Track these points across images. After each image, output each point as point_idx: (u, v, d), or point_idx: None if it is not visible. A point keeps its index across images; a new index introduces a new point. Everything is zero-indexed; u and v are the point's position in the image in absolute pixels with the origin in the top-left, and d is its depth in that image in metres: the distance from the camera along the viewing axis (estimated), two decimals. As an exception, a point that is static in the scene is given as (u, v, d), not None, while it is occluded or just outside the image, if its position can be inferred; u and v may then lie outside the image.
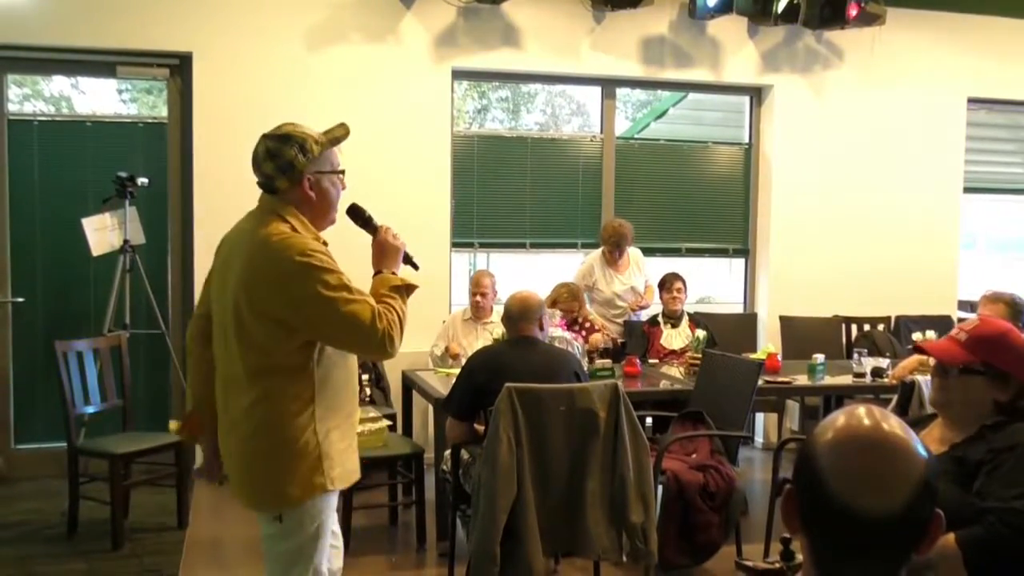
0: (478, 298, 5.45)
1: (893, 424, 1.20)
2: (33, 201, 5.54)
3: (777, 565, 1.41)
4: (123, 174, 5.22)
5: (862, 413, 1.22)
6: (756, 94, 6.72)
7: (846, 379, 5.10)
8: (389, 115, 5.82)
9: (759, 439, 6.66)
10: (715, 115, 7.68)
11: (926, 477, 1.18)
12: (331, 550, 2.60)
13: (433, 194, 5.95)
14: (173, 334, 5.55)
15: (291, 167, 2.42)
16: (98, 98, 6.47)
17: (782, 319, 6.45)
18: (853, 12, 5.94)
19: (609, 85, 6.47)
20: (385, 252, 2.55)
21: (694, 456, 4.18)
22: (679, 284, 5.77)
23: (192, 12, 5.48)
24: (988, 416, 2.09)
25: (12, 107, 5.61)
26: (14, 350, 5.55)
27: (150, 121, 5.95)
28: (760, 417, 6.59)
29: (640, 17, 6.08)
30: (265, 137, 2.46)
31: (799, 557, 1.33)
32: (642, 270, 6.08)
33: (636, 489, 3.47)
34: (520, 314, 3.86)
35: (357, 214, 2.61)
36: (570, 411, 3.46)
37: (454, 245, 6.14)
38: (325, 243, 2.46)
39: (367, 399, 5.16)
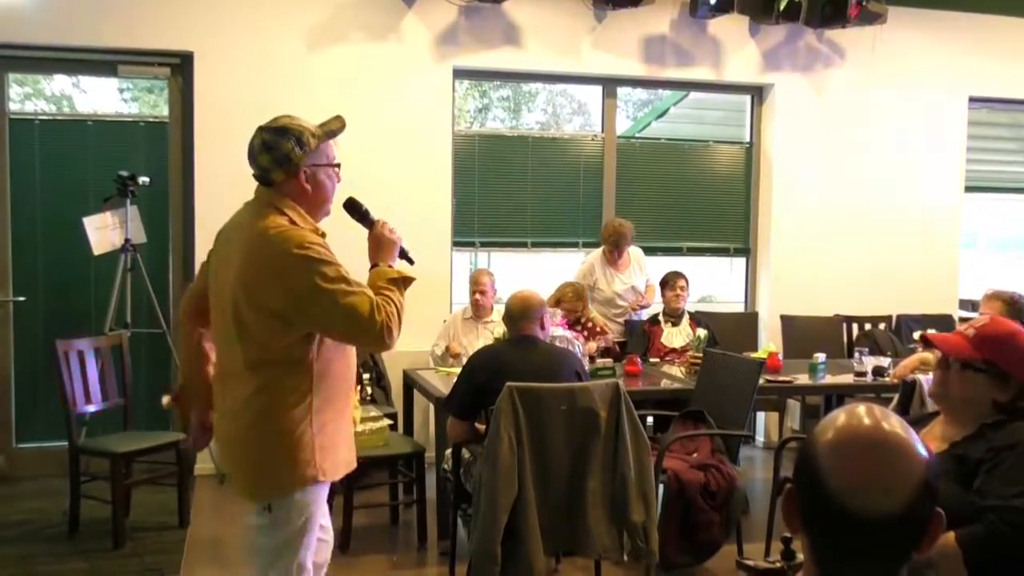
0: (477, 296, 5.45)
1: (894, 423, 1.20)
2: (34, 200, 5.54)
3: (778, 564, 1.41)
4: (124, 173, 5.22)
5: (862, 412, 1.22)
6: (757, 93, 6.72)
7: (847, 378, 5.09)
8: (390, 114, 5.82)
9: (760, 438, 6.66)
10: (716, 114, 7.68)
11: (926, 477, 1.18)
12: (318, 543, 2.62)
13: (434, 193, 5.95)
14: (174, 333, 5.55)
15: (287, 160, 2.43)
16: (99, 97, 6.47)
17: (783, 318, 6.45)
18: (854, 11, 5.93)
19: (610, 84, 6.47)
20: (381, 245, 2.57)
21: (695, 455, 4.18)
22: (682, 282, 5.77)
23: (193, 11, 5.48)
24: (987, 415, 2.09)
25: (13, 106, 5.61)
26: (15, 349, 5.55)
27: (151, 120, 5.95)
28: (761, 416, 6.58)
29: (641, 16, 6.07)
30: (261, 129, 2.47)
31: (800, 556, 1.33)
32: (643, 269, 6.08)
33: (637, 488, 3.47)
34: (521, 313, 3.86)
35: (354, 208, 2.63)
36: (571, 410, 3.46)
37: (455, 244, 6.14)
38: (323, 235, 2.48)
39: (368, 398, 5.16)
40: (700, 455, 4.17)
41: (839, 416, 1.23)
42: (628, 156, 6.56)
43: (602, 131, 6.51)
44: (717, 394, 4.42)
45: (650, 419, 5.02)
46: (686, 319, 5.78)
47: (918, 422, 2.24)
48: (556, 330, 4.77)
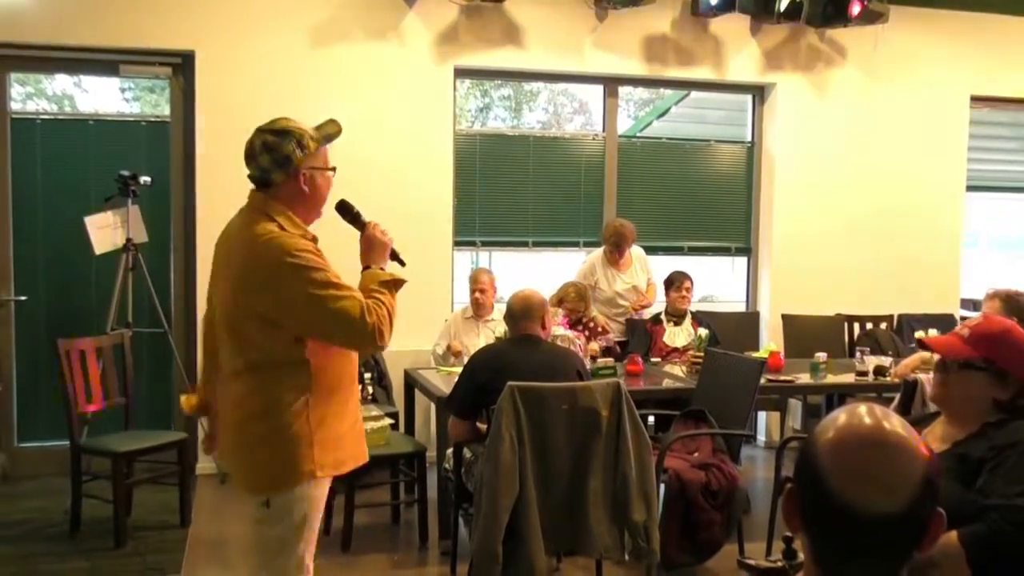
0: (477, 295, 5.45)
1: (894, 423, 1.20)
2: (36, 199, 5.55)
3: (779, 564, 1.41)
4: (126, 172, 5.22)
5: (863, 412, 1.21)
6: (759, 92, 6.72)
7: (848, 378, 5.09)
8: (391, 113, 5.82)
9: (761, 438, 6.66)
10: (717, 113, 7.67)
11: (927, 476, 1.17)
12: None
13: (435, 192, 5.95)
14: (176, 333, 5.56)
15: (288, 161, 2.45)
16: (101, 97, 6.48)
17: (784, 317, 6.44)
18: (856, 10, 5.93)
19: (611, 83, 6.47)
20: (373, 247, 2.60)
21: (696, 455, 4.18)
22: (688, 283, 5.77)
23: (195, 10, 5.48)
24: (988, 414, 2.09)
25: (15, 105, 5.61)
26: (17, 348, 5.56)
27: (153, 120, 5.95)
28: (762, 416, 6.58)
29: (642, 15, 6.07)
30: (262, 131, 2.49)
31: (801, 556, 1.33)
32: (645, 269, 6.07)
33: (638, 488, 3.47)
34: (522, 313, 3.85)
35: (346, 210, 2.66)
36: (572, 410, 3.46)
37: (456, 243, 6.14)
38: (315, 238, 2.51)
39: (369, 397, 5.17)
40: (701, 454, 4.17)
41: (840, 416, 1.23)
42: (629, 155, 6.56)
43: (603, 130, 6.51)
44: (718, 393, 4.42)
45: (651, 418, 5.02)
46: (688, 319, 5.78)
47: (919, 422, 2.24)
48: (558, 329, 4.77)
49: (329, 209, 2.62)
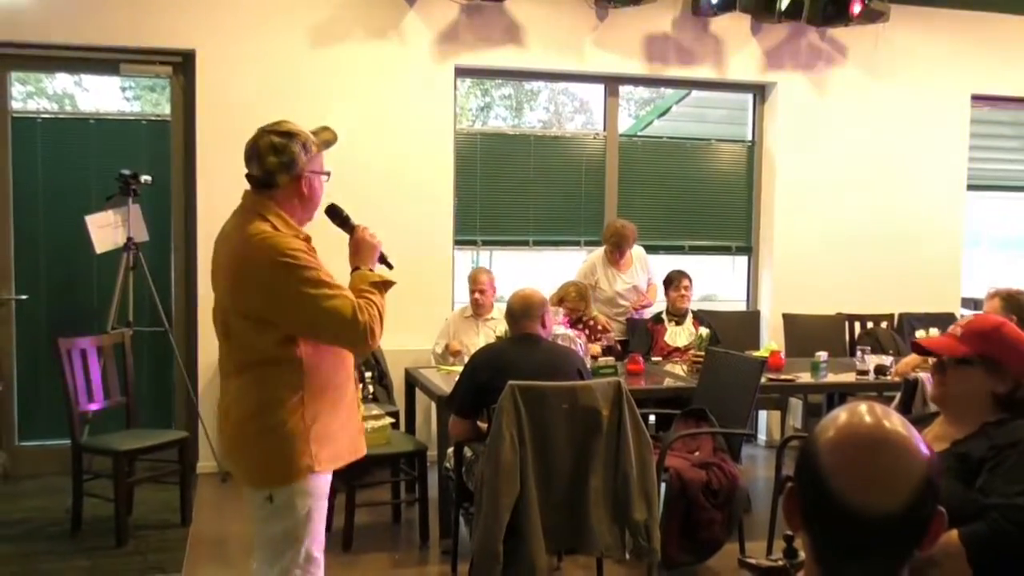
0: (477, 295, 5.45)
1: (895, 422, 1.20)
2: (37, 198, 5.55)
3: (780, 563, 1.41)
4: (126, 172, 5.23)
5: (863, 411, 1.21)
6: (759, 91, 6.72)
7: (849, 377, 5.09)
8: (392, 113, 5.82)
9: (762, 437, 6.66)
10: (718, 112, 7.67)
11: (928, 475, 1.17)
12: None
13: (436, 192, 5.95)
14: (176, 331, 5.56)
15: (294, 164, 2.50)
16: (101, 96, 6.47)
17: (785, 316, 6.44)
18: (856, 9, 5.93)
19: (612, 83, 6.47)
20: (362, 250, 2.65)
21: (697, 454, 4.18)
22: (687, 282, 5.77)
23: (196, 9, 5.49)
24: (988, 411, 2.10)
25: (16, 104, 5.62)
26: (18, 347, 5.56)
27: (153, 119, 5.95)
28: (763, 415, 6.58)
29: (643, 14, 6.07)
30: (268, 132, 2.52)
31: (802, 555, 1.33)
32: (645, 268, 6.07)
33: (639, 487, 3.47)
34: (522, 312, 3.85)
35: (335, 213, 2.73)
36: (573, 409, 3.46)
37: (457, 243, 6.14)
38: (308, 238, 2.54)
39: (370, 396, 5.17)
40: (702, 454, 4.17)
41: (840, 415, 1.23)
42: (630, 154, 6.56)
43: (604, 129, 6.51)
44: (719, 393, 4.42)
45: (652, 418, 5.01)
46: (689, 318, 5.78)
47: (919, 421, 2.24)
48: (559, 328, 4.77)
49: (317, 213, 2.67)
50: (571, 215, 6.47)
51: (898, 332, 6.41)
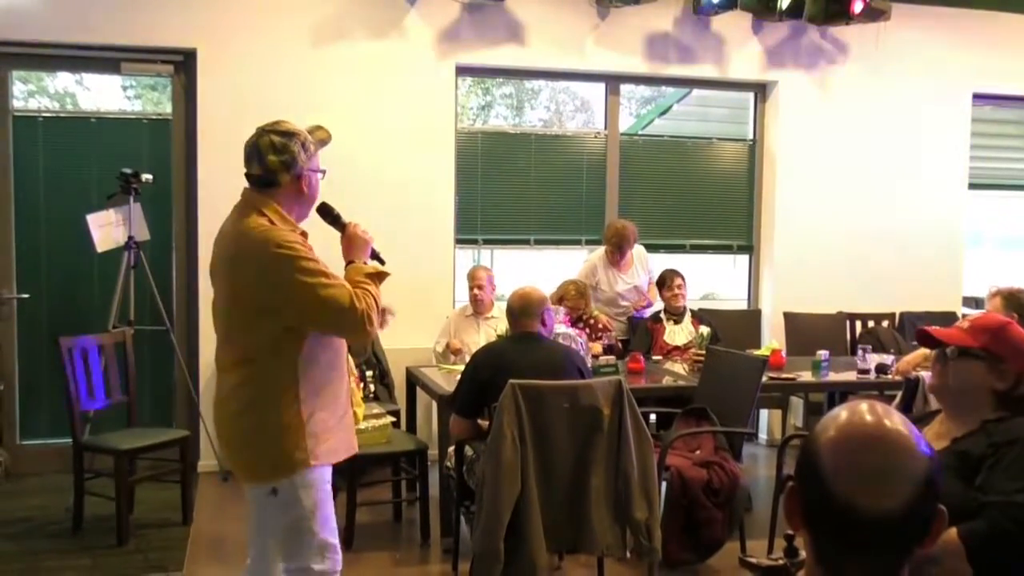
0: (476, 291, 5.46)
1: (895, 421, 1.20)
2: (38, 197, 5.55)
3: (781, 561, 1.41)
4: (128, 170, 5.23)
5: (864, 409, 1.21)
6: (760, 90, 6.71)
7: (850, 375, 5.09)
8: (393, 111, 5.82)
9: (763, 435, 6.65)
10: (719, 111, 7.67)
11: (928, 474, 1.18)
12: None
13: (437, 190, 5.95)
14: (177, 330, 5.57)
15: (295, 162, 2.55)
16: (103, 94, 6.47)
17: (786, 315, 6.44)
18: (857, 7, 5.93)
19: (613, 81, 6.46)
20: (355, 244, 2.71)
21: (698, 453, 4.18)
22: (679, 280, 5.76)
23: (197, 8, 5.49)
24: (988, 409, 2.10)
25: (17, 103, 5.62)
26: (19, 346, 5.57)
27: (155, 118, 5.95)
28: (764, 413, 6.58)
29: (644, 13, 6.07)
30: (268, 131, 2.56)
31: (803, 553, 1.33)
32: (645, 268, 6.06)
33: (640, 486, 3.47)
34: (521, 310, 3.85)
35: (326, 211, 2.78)
36: (574, 408, 3.46)
37: (458, 241, 6.14)
38: (304, 233, 2.60)
39: (371, 395, 5.17)
40: (703, 452, 4.17)
41: (841, 413, 1.23)
42: (631, 153, 6.56)
43: (605, 128, 6.50)
44: (720, 391, 4.42)
45: (653, 416, 5.02)
46: (688, 316, 5.77)
47: (920, 420, 2.25)
48: (559, 327, 4.77)
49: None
50: (572, 214, 6.46)
51: (899, 331, 6.41)
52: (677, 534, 3.90)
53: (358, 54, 5.76)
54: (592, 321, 5.60)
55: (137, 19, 5.40)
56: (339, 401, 2.65)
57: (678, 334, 5.71)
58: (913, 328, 6.05)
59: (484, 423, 3.76)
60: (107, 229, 5.28)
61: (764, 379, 4.35)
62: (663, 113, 8.20)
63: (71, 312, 5.58)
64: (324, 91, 5.65)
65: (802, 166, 6.58)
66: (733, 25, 6.31)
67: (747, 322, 6.59)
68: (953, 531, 1.88)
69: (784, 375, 4.98)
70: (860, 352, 5.19)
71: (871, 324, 6.48)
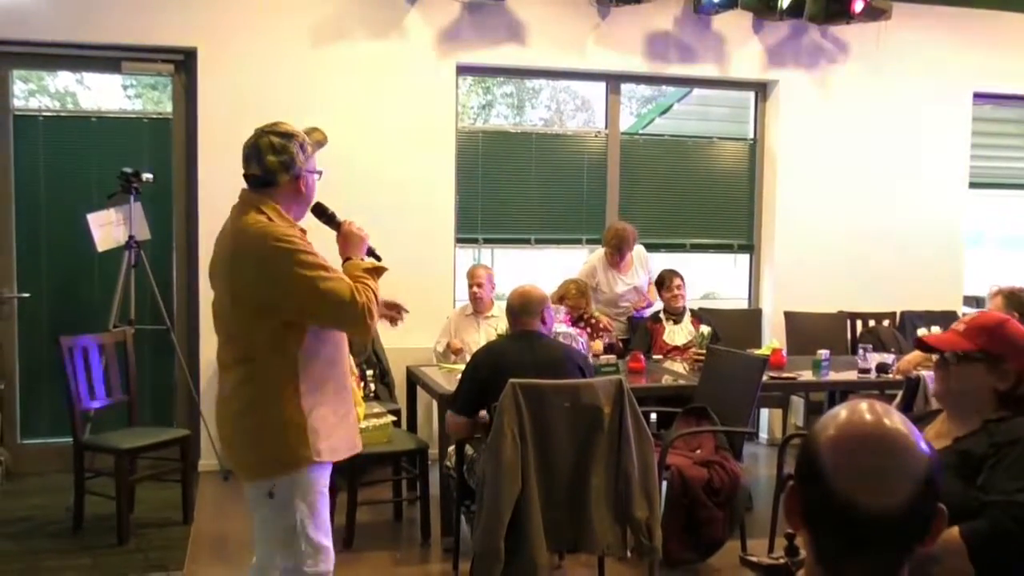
0: (475, 289, 5.46)
1: (895, 420, 1.20)
2: (39, 197, 5.55)
3: (782, 560, 1.41)
4: (128, 170, 5.23)
5: (864, 408, 1.21)
6: (761, 89, 6.71)
7: (851, 375, 5.09)
8: (393, 111, 5.82)
9: (763, 435, 6.65)
10: (720, 111, 7.66)
11: (928, 473, 1.17)
12: None
13: (437, 190, 5.95)
14: (178, 329, 5.57)
15: (293, 163, 2.57)
16: (103, 94, 6.47)
17: (787, 315, 6.44)
18: (858, 7, 5.92)
19: (614, 81, 6.46)
20: (351, 242, 2.73)
21: (698, 452, 4.18)
22: (678, 281, 5.75)
23: (197, 8, 5.49)
24: (990, 408, 2.10)
25: (18, 102, 5.62)
26: (20, 345, 5.57)
27: (155, 117, 5.95)
28: (765, 413, 6.58)
29: (645, 12, 6.07)
30: (268, 132, 2.58)
31: (804, 552, 1.33)
32: (646, 268, 6.05)
33: (640, 485, 3.47)
34: (521, 308, 3.85)
35: (321, 211, 2.80)
36: (574, 407, 3.46)
37: (458, 241, 6.14)
38: (303, 230, 2.62)
39: (372, 395, 5.17)
40: (703, 452, 4.17)
41: (840, 412, 1.23)
42: (632, 153, 6.55)
43: (606, 128, 6.50)
44: (720, 391, 4.41)
45: (653, 416, 5.02)
46: (687, 316, 5.77)
47: (921, 420, 2.24)
48: (560, 327, 4.77)
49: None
50: (572, 213, 6.46)
51: (900, 330, 6.40)
52: (678, 533, 3.90)
53: (358, 53, 5.76)
54: (593, 321, 5.60)
55: (138, 18, 5.39)
56: (341, 397, 2.66)
57: (678, 334, 5.70)
58: (914, 327, 6.06)
59: (483, 414, 3.73)
60: (108, 228, 5.28)
61: (765, 378, 4.35)
62: (664, 112, 8.20)
63: (72, 311, 5.58)
64: (324, 90, 5.65)
65: (803, 165, 6.58)
66: (734, 24, 6.31)
67: (748, 321, 6.58)
68: (955, 530, 1.88)
69: (785, 374, 4.98)
70: (861, 351, 5.19)
71: (872, 323, 6.47)
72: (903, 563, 1.21)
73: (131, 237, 5.24)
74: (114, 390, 4.83)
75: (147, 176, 5.28)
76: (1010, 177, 7.57)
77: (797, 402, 6.42)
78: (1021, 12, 6.78)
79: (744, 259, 6.93)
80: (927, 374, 3.77)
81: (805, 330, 6.31)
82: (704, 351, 4.95)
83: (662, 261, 6.25)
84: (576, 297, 5.57)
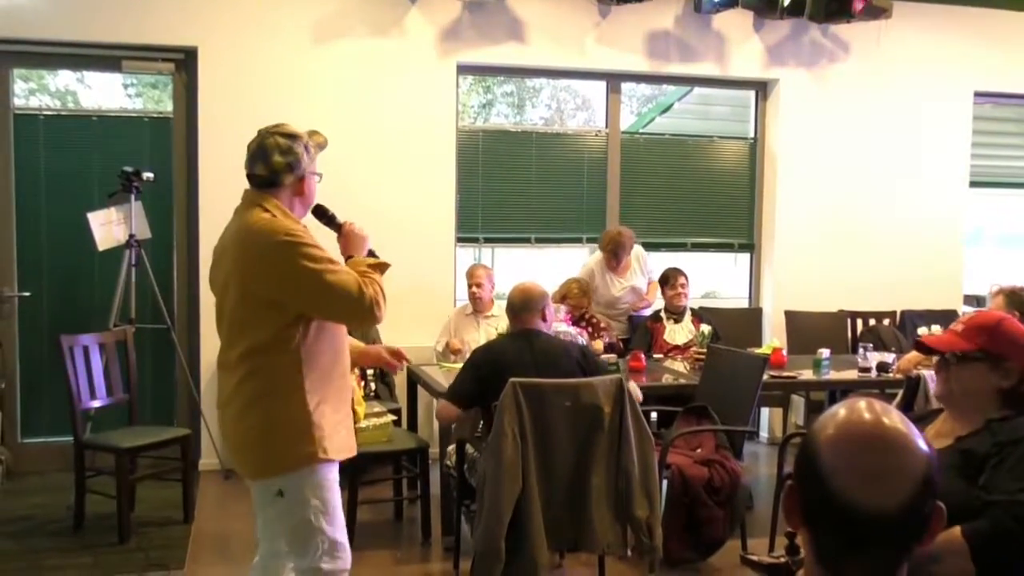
0: (474, 289, 5.46)
1: (894, 418, 1.20)
2: (39, 195, 5.55)
3: (782, 560, 1.41)
4: (129, 169, 5.23)
5: (863, 407, 1.21)
6: (762, 88, 6.71)
7: (851, 374, 5.09)
8: (394, 110, 5.82)
9: (764, 434, 6.65)
10: (720, 109, 7.66)
11: (927, 472, 1.17)
12: None
13: (437, 189, 5.95)
14: (178, 329, 5.57)
15: (298, 164, 2.59)
16: (104, 92, 6.47)
17: (787, 314, 6.44)
18: (859, 6, 5.92)
19: (614, 80, 6.46)
20: (353, 241, 2.75)
21: (699, 451, 4.18)
22: (682, 280, 5.75)
23: (198, 6, 5.48)
24: (992, 407, 2.10)
25: (18, 101, 5.62)
26: (20, 344, 5.57)
27: (156, 116, 5.95)
28: (765, 412, 6.58)
29: (645, 11, 6.06)
30: (273, 133, 2.60)
31: (804, 552, 1.33)
32: (644, 268, 6.04)
33: (641, 484, 3.47)
34: (522, 305, 3.83)
35: (321, 212, 2.82)
36: (575, 406, 3.46)
37: (459, 240, 6.14)
38: (306, 228, 2.62)
39: (372, 394, 5.17)
40: (704, 451, 4.17)
41: (839, 411, 1.22)
42: (632, 152, 6.55)
43: (606, 127, 6.50)
44: (721, 390, 4.42)
45: (654, 415, 5.02)
46: (688, 315, 5.77)
47: (921, 419, 2.24)
48: (560, 326, 4.76)
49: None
50: (573, 212, 6.46)
51: (900, 329, 6.40)
52: (678, 532, 3.90)
53: (359, 52, 5.75)
54: (594, 320, 5.60)
55: (138, 17, 5.39)
56: (341, 398, 2.66)
57: (678, 333, 5.70)
58: (914, 326, 6.06)
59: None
60: (108, 227, 5.28)
61: (765, 377, 4.35)
62: (664, 111, 8.20)
63: (72, 310, 5.58)
64: (325, 89, 5.65)
65: (803, 164, 6.58)
66: (734, 23, 6.30)
67: (748, 320, 6.58)
68: (957, 530, 1.87)
69: (785, 373, 4.98)
70: (861, 350, 5.19)
71: (872, 322, 6.47)
72: (902, 562, 1.21)
73: (132, 236, 5.24)
74: (115, 389, 4.83)
75: (148, 175, 5.29)
76: (1010, 176, 7.57)
77: (797, 401, 6.43)
78: (1022, 11, 6.77)
79: (744, 258, 6.93)
80: (927, 373, 3.77)
81: (806, 329, 6.31)
82: (705, 350, 4.95)
83: (662, 260, 6.25)
84: (578, 296, 5.58)
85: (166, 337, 5.40)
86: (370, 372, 5.21)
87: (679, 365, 5.26)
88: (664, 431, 4.57)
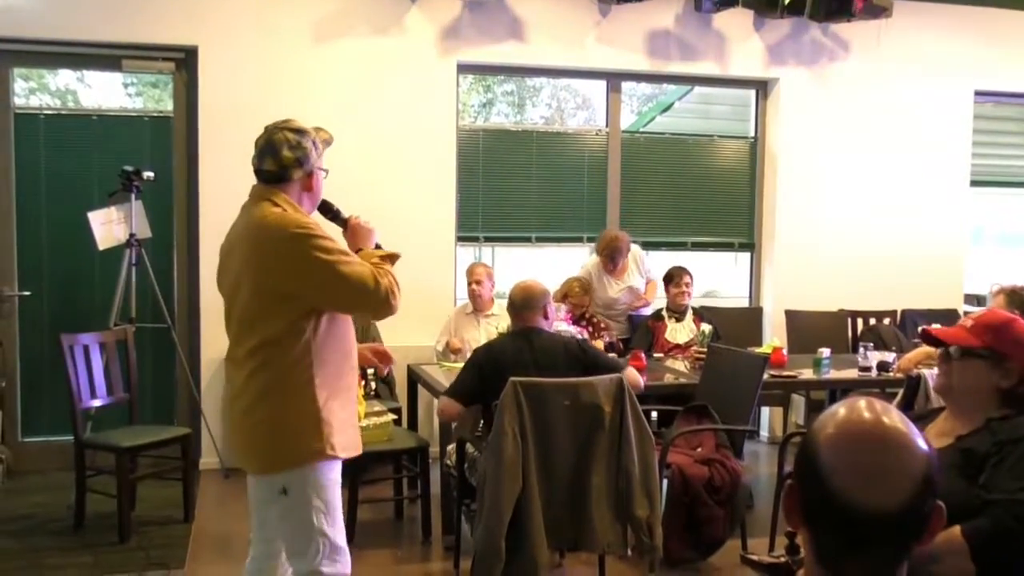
0: (474, 287, 5.45)
1: (894, 418, 1.20)
2: (39, 195, 5.55)
3: (783, 559, 1.41)
4: (129, 168, 5.23)
5: (863, 406, 1.21)
6: (762, 87, 6.70)
7: (852, 373, 5.09)
8: (394, 109, 5.82)
9: (764, 433, 6.65)
10: (721, 108, 7.66)
11: (927, 471, 1.17)
12: None
13: (438, 188, 5.95)
14: (179, 328, 5.57)
15: (307, 159, 2.59)
16: (104, 92, 6.47)
17: (787, 313, 6.44)
18: (859, 5, 5.92)
19: (615, 79, 6.46)
20: (360, 234, 2.74)
21: (699, 450, 4.18)
22: (687, 278, 5.75)
23: (198, 6, 5.48)
24: (992, 406, 2.10)
25: (18, 100, 5.62)
26: (21, 343, 5.57)
27: (156, 115, 5.95)
28: (765, 411, 6.58)
29: (646, 10, 6.06)
30: (282, 128, 2.59)
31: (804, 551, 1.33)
32: (641, 269, 6.03)
33: (641, 483, 3.47)
34: (523, 303, 3.83)
35: (327, 208, 2.82)
36: (575, 405, 3.46)
37: (459, 239, 6.14)
38: (315, 222, 2.61)
39: (372, 393, 5.16)
40: (704, 450, 4.17)
41: (839, 411, 1.22)
42: (632, 151, 6.55)
43: (606, 126, 6.50)
44: (721, 389, 4.41)
45: (654, 414, 5.01)
46: (690, 314, 5.77)
47: (922, 418, 2.24)
48: (561, 325, 4.76)
49: None
50: (573, 212, 6.46)
51: (900, 328, 6.40)
52: (678, 532, 3.90)
53: (359, 51, 5.75)
54: (595, 320, 5.60)
55: (138, 16, 5.39)
56: (350, 397, 2.66)
57: (679, 332, 5.70)
58: (915, 325, 6.04)
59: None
60: (108, 227, 5.28)
61: (765, 377, 4.35)
62: (664, 110, 8.20)
63: (73, 309, 5.58)
64: (325, 88, 5.65)
65: (804, 163, 6.58)
66: (735, 22, 6.30)
67: (748, 320, 6.58)
68: (957, 529, 1.87)
69: (785, 373, 4.98)
70: (861, 350, 5.19)
71: (872, 322, 6.47)
72: (902, 561, 1.21)
73: (132, 235, 5.24)
74: (115, 388, 4.83)
75: (148, 174, 5.28)
76: (1010, 175, 7.57)
77: (798, 400, 6.42)
78: (1022, 10, 6.77)
79: (745, 257, 6.93)
80: (928, 372, 3.77)
81: (806, 328, 6.31)
82: (705, 349, 4.95)
83: (663, 259, 6.25)
84: (580, 295, 5.58)
85: (166, 336, 5.40)
86: (370, 371, 5.20)
87: (680, 364, 5.26)
88: (664, 430, 4.57)
